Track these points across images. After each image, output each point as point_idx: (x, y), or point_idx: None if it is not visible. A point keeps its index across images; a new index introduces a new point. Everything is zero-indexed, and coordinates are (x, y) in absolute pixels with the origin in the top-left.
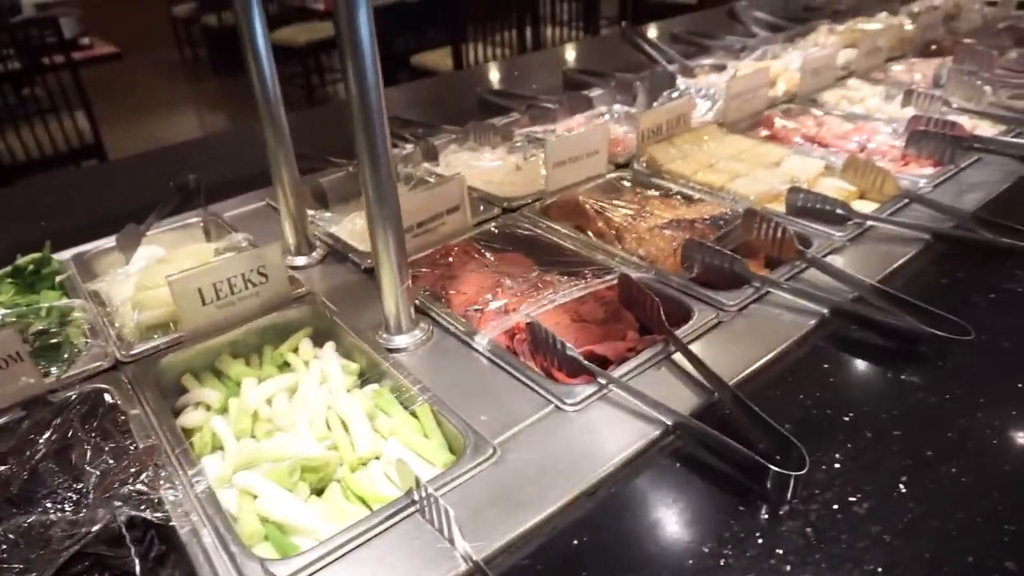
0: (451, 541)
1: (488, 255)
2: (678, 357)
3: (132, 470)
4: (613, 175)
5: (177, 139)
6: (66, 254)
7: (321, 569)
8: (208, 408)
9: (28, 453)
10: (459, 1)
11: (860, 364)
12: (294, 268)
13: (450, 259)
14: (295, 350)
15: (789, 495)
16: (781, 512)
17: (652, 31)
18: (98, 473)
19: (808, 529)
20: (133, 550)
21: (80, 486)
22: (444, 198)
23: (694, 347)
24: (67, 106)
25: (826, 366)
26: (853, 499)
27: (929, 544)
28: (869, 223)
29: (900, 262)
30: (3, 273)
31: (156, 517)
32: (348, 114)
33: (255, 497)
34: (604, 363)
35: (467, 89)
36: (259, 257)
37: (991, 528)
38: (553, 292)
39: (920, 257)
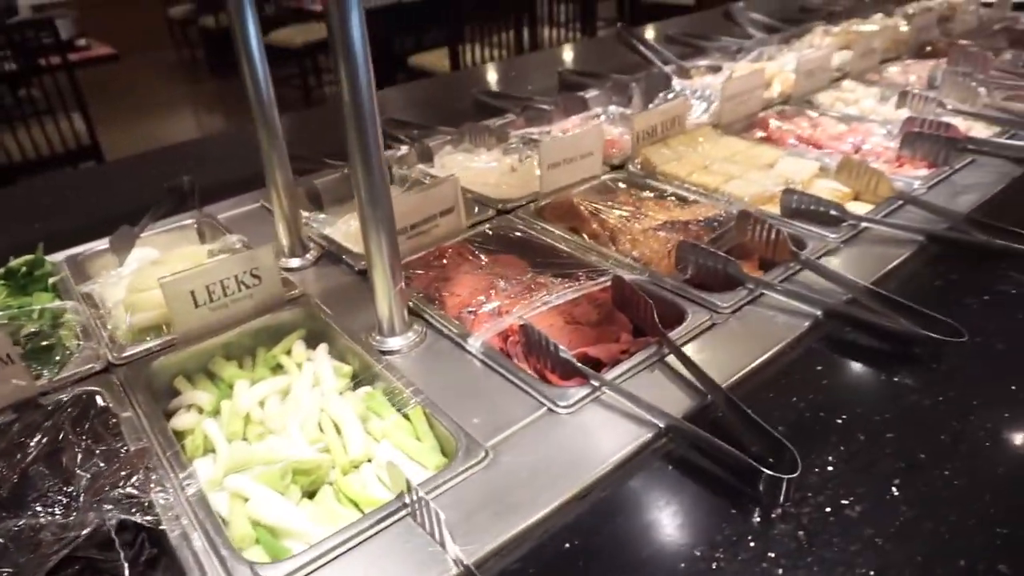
0: (442, 545)
1: (482, 257)
2: (671, 359)
3: (123, 473)
4: (608, 176)
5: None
6: (59, 256)
7: (311, 573)
8: (200, 411)
9: (19, 456)
10: (457, 2)
11: (853, 366)
12: (288, 270)
13: (444, 261)
14: (288, 352)
15: (782, 498)
16: (773, 515)
17: (648, 32)
18: (89, 476)
19: (800, 532)
20: (122, 554)
21: (71, 489)
22: (438, 200)
23: (687, 349)
24: (63, 107)
25: (819, 368)
26: (845, 502)
27: (922, 547)
28: (863, 225)
29: (894, 264)
30: None
31: (146, 520)
32: (341, 116)
33: (246, 500)
34: (597, 365)
35: (463, 90)
36: (252, 259)
37: (984, 531)
38: (547, 294)
39: (914, 259)
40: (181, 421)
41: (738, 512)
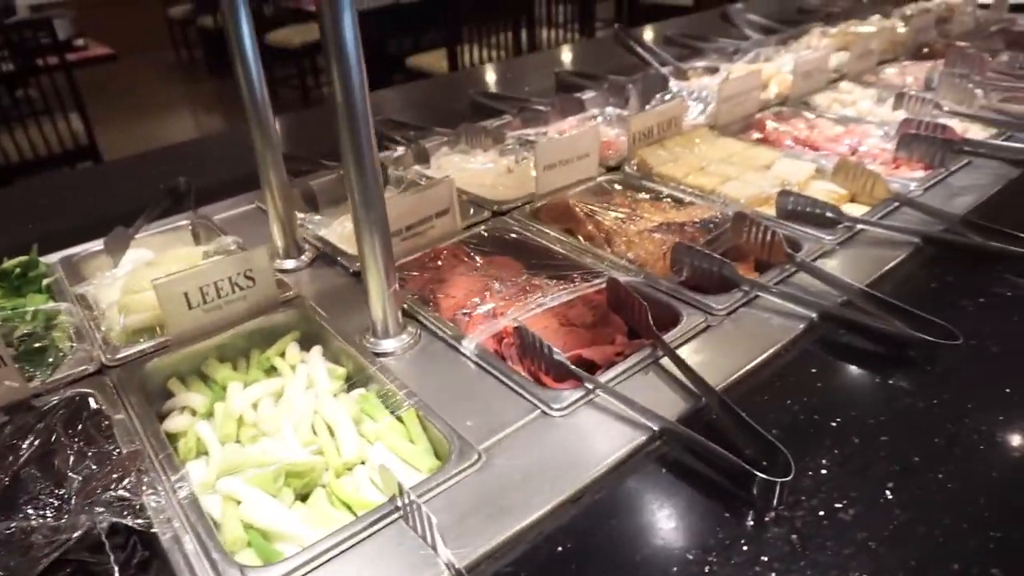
0: (434, 548)
1: (477, 258)
2: (666, 362)
3: (115, 476)
4: (604, 178)
5: (173, 140)
6: (54, 257)
7: None
8: (194, 413)
9: (10, 459)
10: (455, 3)
11: (848, 369)
12: (282, 271)
13: (439, 262)
14: (282, 354)
15: (775, 501)
16: (767, 519)
17: (645, 34)
18: (80, 478)
19: (794, 536)
20: (112, 557)
21: (62, 491)
22: (433, 201)
23: (682, 351)
24: (61, 108)
25: (814, 371)
26: (839, 505)
27: (915, 551)
28: (859, 226)
29: (890, 266)
30: None
31: (137, 524)
32: (333, 117)
33: (239, 503)
34: (592, 367)
35: (460, 91)
36: (246, 260)
37: (978, 535)
38: (541, 296)
39: (910, 261)
40: (174, 423)
41: (732, 515)
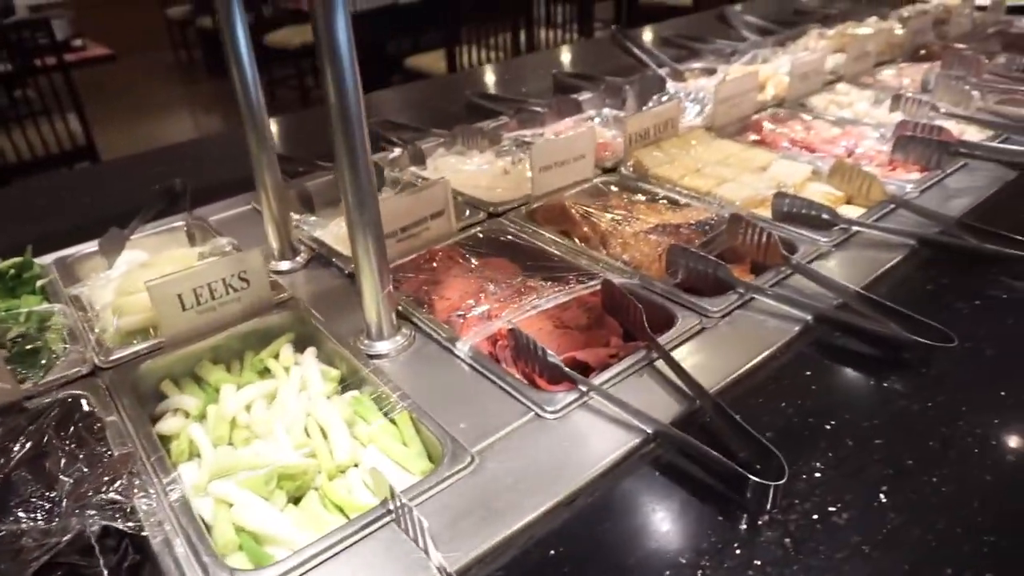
0: (426, 552)
1: (473, 260)
2: (660, 364)
3: (106, 478)
4: (600, 179)
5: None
6: (49, 258)
7: None
8: (187, 415)
9: (1, 461)
10: (455, 4)
11: (843, 371)
12: (277, 273)
13: (434, 264)
14: (276, 356)
15: (768, 505)
16: (760, 522)
17: (643, 35)
18: (72, 481)
19: (787, 539)
20: (102, 560)
21: (53, 494)
22: (428, 202)
23: (677, 354)
24: (59, 108)
25: (809, 373)
26: (833, 509)
27: (909, 555)
28: (855, 228)
29: (885, 268)
30: None
31: (128, 527)
32: (327, 118)
33: (231, 506)
34: (586, 369)
35: (457, 92)
36: (240, 262)
37: (972, 539)
38: (536, 298)
39: (905, 263)
40: (167, 425)
41: (725, 519)
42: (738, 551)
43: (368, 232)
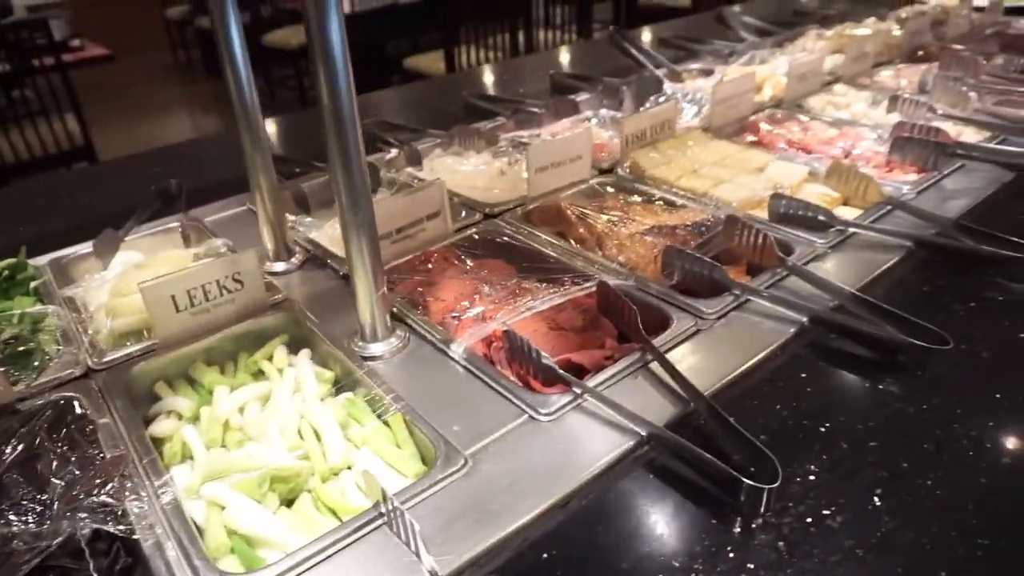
0: (417, 555)
1: (468, 261)
2: (655, 366)
3: (97, 481)
4: (596, 180)
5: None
6: (44, 259)
7: None
8: (180, 417)
9: None
10: (454, 4)
11: (838, 374)
12: (272, 274)
13: (429, 265)
14: (270, 358)
15: (762, 508)
16: (754, 525)
17: (641, 35)
18: (63, 484)
19: (780, 543)
20: (92, 564)
21: (45, 497)
22: (424, 203)
23: (672, 355)
24: (57, 108)
25: (804, 376)
26: (827, 512)
27: (903, 558)
28: (851, 230)
29: (882, 269)
30: None
31: (119, 530)
32: (320, 119)
33: (223, 508)
34: (581, 371)
35: (455, 93)
36: (234, 263)
37: (965, 542)
38: (531, 299)
39: (902, 264)
40: (160, 427)
41: (718, 522)
42: (731, 554)
43: (362, 233)
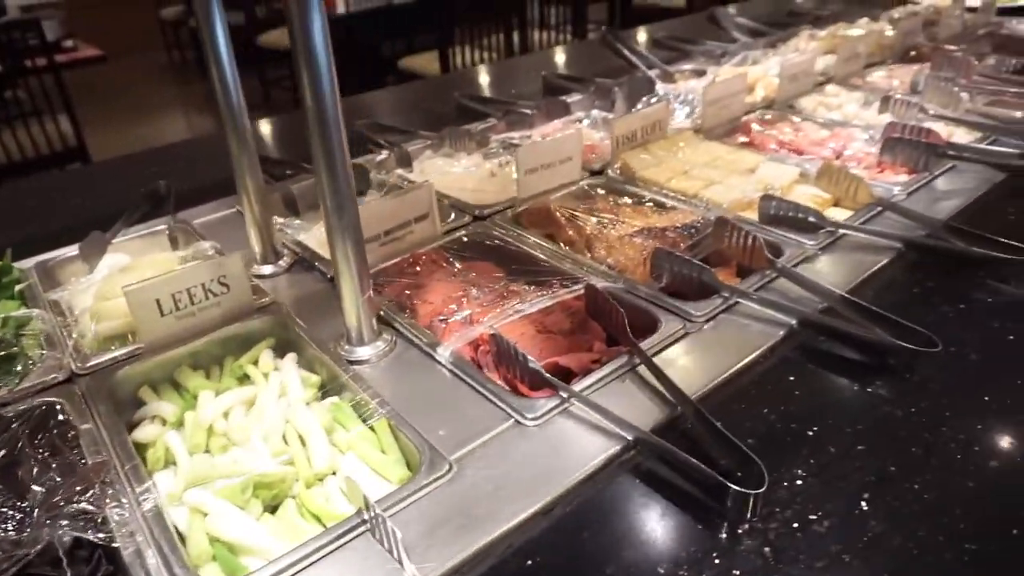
0: (400, 562)
1: (456, 264)
2: (643, 369)
3: (78, 488)
4: (586, 182)
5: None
6: (30, 262)
7: None
8: (164, 422)
9: None
10: (449, 5)
11: (827, 377)
12: (260, 277)
13: (418, 268)
14: (256, 362)
15: (749, 513)
16: (740, 531)
17: (634, 36)
18: (44, 491)
19: (766, 548)
20: (70, 573)
21: (25, 504)
22: (412, 205)
23: (660, 359)
24: (50, 109)
25: (792, 379)
26: (813, 517)
27: (889, 563)
28: (841, 231)
29: (871, 271)
30: None
31: (99, 538)
32: (304, 122)
33: (206, 515)
34: (569, 375)
35: (447, 94)
36: (220, 267)
37: (953, 547)
38: (519, 302)
39: (892, 266)
40: (143, 433)
41: (704, 528)
42: (717, 560)
43: (347, 236)
